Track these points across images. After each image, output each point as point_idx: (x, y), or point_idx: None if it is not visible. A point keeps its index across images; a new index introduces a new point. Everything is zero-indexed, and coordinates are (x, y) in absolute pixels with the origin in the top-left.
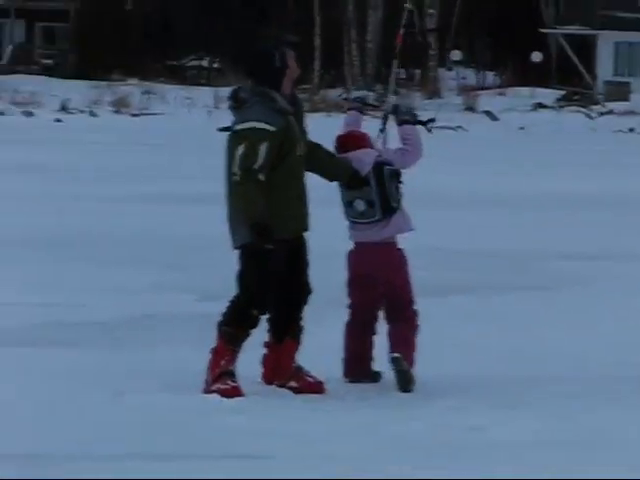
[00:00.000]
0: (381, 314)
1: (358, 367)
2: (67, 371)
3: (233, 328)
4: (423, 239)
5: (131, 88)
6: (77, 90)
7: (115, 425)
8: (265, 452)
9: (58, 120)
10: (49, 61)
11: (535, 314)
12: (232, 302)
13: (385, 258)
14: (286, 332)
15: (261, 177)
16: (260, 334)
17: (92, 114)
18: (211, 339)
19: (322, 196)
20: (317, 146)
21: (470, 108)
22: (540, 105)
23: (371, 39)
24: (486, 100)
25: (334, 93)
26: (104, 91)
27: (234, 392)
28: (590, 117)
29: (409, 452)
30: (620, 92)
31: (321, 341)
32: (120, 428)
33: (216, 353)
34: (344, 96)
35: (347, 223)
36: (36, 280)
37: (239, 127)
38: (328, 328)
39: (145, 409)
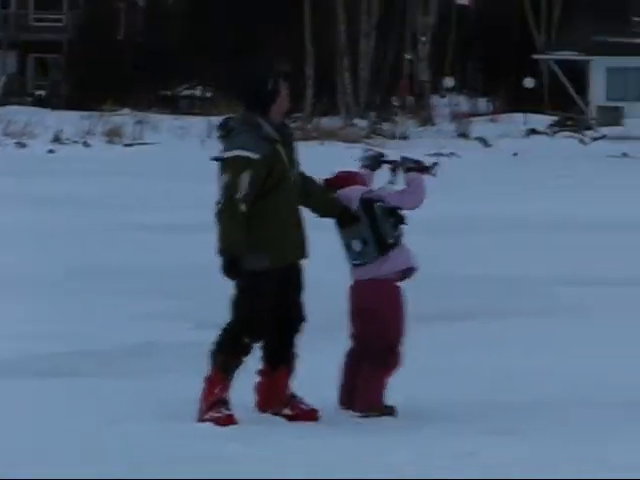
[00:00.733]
0: None
1: (351, 396)
2: (62, 399)
3: (226, 356)
4: (422, 266)
5: (124, 118)
6: (70, 121)
7: (108, 452)
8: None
9: (51, 151)
10: (42, 92)
11: (531, 340)
12: (225, 330)
13: (376, 294)
14: (280, 359)
15: (243, 207)
16: (254, 361)
17: (85, 144)
18: (205, 367)
19: (312, 222)
20: (309, 180)
21: (463, 134)
22: (533, 131)
23: (363, 67)
24: (479, 126)
25: (327, 121)
26: (97, 121)
27: (228, 420)
28: (583, 142)
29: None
30: (613, 117)
31: (314, 368)
32: (113, 455)
33: (210, 381)
34: (358, 156)
35: (348, 266)
36: (32, 311)
37: (225, 155)
38: (321, 355)
39: (138, 437)
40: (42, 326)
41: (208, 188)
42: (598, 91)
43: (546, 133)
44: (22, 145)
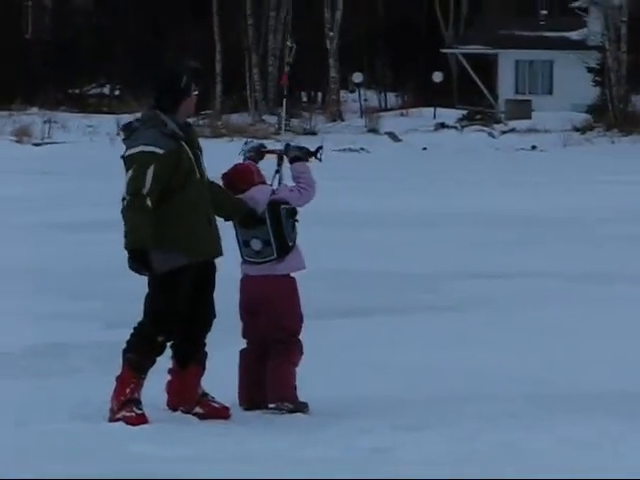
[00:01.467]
0: None
1: (251, 395)
2: None
3: (139, 355)
4: (328, 261)
5: (32, 117)
6: None
7: (17, 453)
8: (169, 478)
9: None
10: None
11: (442, 334)
12: (137, 329)
13: (270, 288)
14: (190, 358)
15: (149, 202)
16: (165, 360)
17: None
18: (117, 367)
19: (220, 220)
20: (211, 183)
21: (373, 130)
22: (442, 125)
23: (272, 63)
24: (388, 121)
25: (237, 118)
26: (5, 121)
27: (139, 420)
28: (493, 136)
29: (315, 475)
30: (522, 110)
31: (223, 366)
32: (22, 457)
33: (121, 381)
34: (241, 148)
35: (240, 260)
36: None
37: (128, 152)
38: (231, 353)
39: (49, 438)
40: None
41: (118, 186)
42: (507, 84)
43: (455, 127)
44: None
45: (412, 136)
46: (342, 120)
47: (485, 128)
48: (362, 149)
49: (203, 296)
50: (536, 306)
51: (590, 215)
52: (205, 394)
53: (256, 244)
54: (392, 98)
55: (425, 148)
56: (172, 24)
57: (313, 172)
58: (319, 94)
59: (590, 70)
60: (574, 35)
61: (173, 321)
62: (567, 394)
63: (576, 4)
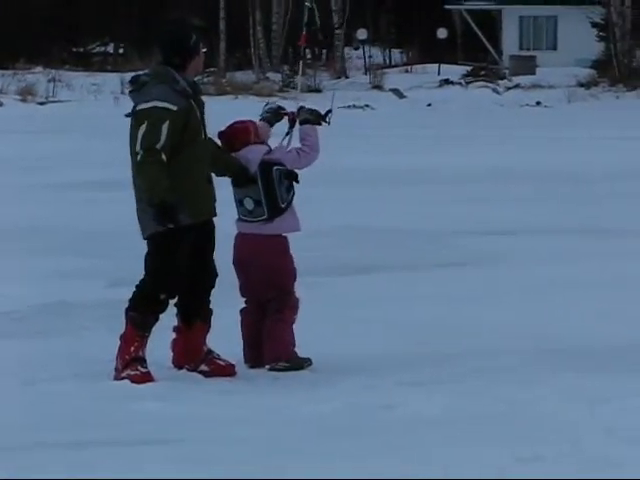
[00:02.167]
0: None
1: (255, 353)
2: None
3: (141, 313)
4: (336, 219)
5: (37, 76)
6: None
7: (26, 413)
8: (176, 436)
9: None
10: None
11: (447, 290)
12: (139, 287)
13: (261, 245)
14: (195, 315)
15: (163, 157)
16: (170, 318)
17: None
18: (121, 325)
19: (223, 178)
20: (209, 140)
21: (377, 86)
22: (447, 81)
23: (276, 21)
24: (393, 78)
25: (241, 76)
26: (9, 80)
27: (144, 378)
28: (497, 92)
29: (320, 433)
30: (526, 66)
31: (229, 324)
32: (33, 416)
33: (125, 339)
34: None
35: (236, 217)
36: None
37: (141, 107)
38: (236, 311)
39: (55, 397)
40: None
41: (122, 145)
42: (511, 40)
43: (460, 83)
44: None
45: (416, 92)
46: (346, 77)
47: (489, 84)
48: (367, 106)
49: (203, 254)
50: (542, 262)
51: (595, 171)
52: (210, 352)
53: (249, 203)
54: (396, 55)
55: (430, 104)
56: None
57: (320, 133)
58: (323, 51)
59: (594, 25)
60: None
61: (174, 279)
62: (574, 349)
63: None
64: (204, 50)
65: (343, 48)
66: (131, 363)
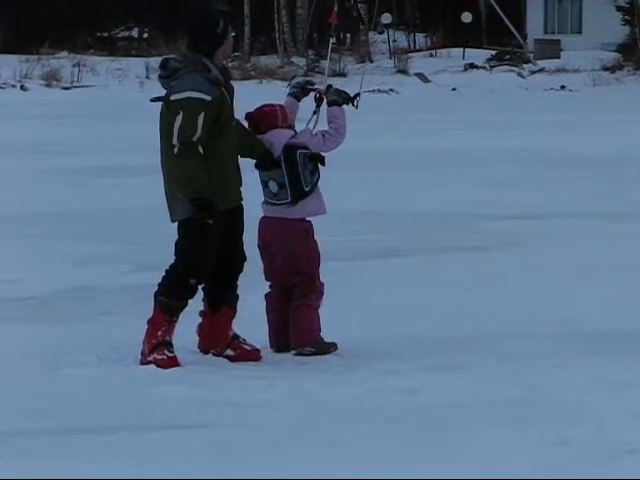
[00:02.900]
0: None
1: (280, 337)
2: (2, 346)
3: (170, 298)
4: (359, 203)
5: (61, 61)
6: (7, 64)
7: (51, 398)
8: (201, 422)
9: None
10: None
11: (471, 274)
12: (168, 272)
13: (285, 230)
14: (222, 301)
15: (200, 149)
16: (196, 303)
17: (23, 88)
18: (148, 310)
19: (252, 163)
20: (235, 122)
21: (402, 71)
22: (471, 65)
23: (301, 5)
24: (417, 62)
25: (265, 60)
26: (34, 65)
27: (171, 363)
28: (522, 76)
29: (346, 417)
30: (551, 50)
31: (256, 309)
32: (56, 401)
33: (153, 324)
34: (288, 82)
35: (262, 200)
36: None
37: (175, 97)
38: (262, 296)
39: (80, 381)
40: None
41: (148, 130)
42: (535, 24)
43: (484, 67)
44: None
45: (441, 77)
46: (371, 61)
47: (514, 68)
48: (391, 90)
49: (232, 239)
50: (567, 246)
51: (620, 155)
52: (236, 336)
53: (273, 186)
54: (421, 39)
55: (454, 89)
56: None
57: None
58: (348, 35)
59: (619, 9)
60: None
61: (204, 264)
62: (598, 333)
63: None
64: (233, 34)
65: (367, 32)
66: (158, 347)
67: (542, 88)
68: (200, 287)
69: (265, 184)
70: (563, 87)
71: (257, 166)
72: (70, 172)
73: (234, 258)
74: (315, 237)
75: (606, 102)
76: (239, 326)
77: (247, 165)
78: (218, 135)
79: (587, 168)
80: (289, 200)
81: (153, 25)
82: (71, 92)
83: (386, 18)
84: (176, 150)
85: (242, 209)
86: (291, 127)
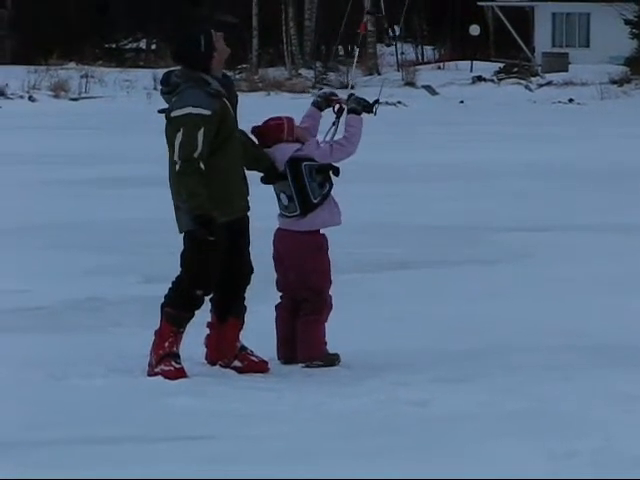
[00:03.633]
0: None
1: (288, 349)
2: (10, 356)
3: (177, 309)
4: (368, 215)
5: (70, 72)
6: (15, 75)
7: (57, 408)
8: (209, 433)
9: None
10: None
11: (479, 287)
12: (175, 283)
13: (296, 243)
14: (229, 312)
15: (202, 165)
16: (203, 314)
17: (31, 99)
18: (155, 321)
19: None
20: (240, 132)
21: (410, 83)
22: (479, 78)
23: (309, 17)
24: (425, 75)
25: (273, 72)
26: (42, 76)
27: (178, 374)
28: (529, 89)
29: (352, 429)
30: (559, 63)
31: (264, 320)
32: (62, 411)
33: (160, 335)
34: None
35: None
36: None
37: (175, 114)
38: (269, 307)
39: (88, 392)
40: None
41: (155, 141)
42: (543, 37)
43: (492, 80)
44: None
45: (449, 89)
46: (379, 74)
47: (522, 81)
48: (399, 102)
49: (238, 250)
50: (574, 259)
51: (627, 168)
52: (244, 348)
53: (284, 199)
54: (429, 51)
55: (462, 101)
56: None
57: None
58: (355, 47)
59: (627, 22)
60: None
61: (210, 276)
62: (604, 346)
63: None
64: (221, 34)
65: (375, 44)
66: (165, 358)
67: (550, 101)
68: (207, 298)
69: (277, 196)
70: (571, 100)
71: (263, 179)
72: (78, 183)
73: (240, 269)
74: (327, 251)
75: (614, 115)
76: (247, 337)
77: (252, 178)
78: (221, 147)
79: (595, 181)
80: (298, 213)
81: (161, 36)
82: (79, 103)
83: (394, 30)
84: (178, 167)
85: (248, 220)
86: (298, 140)
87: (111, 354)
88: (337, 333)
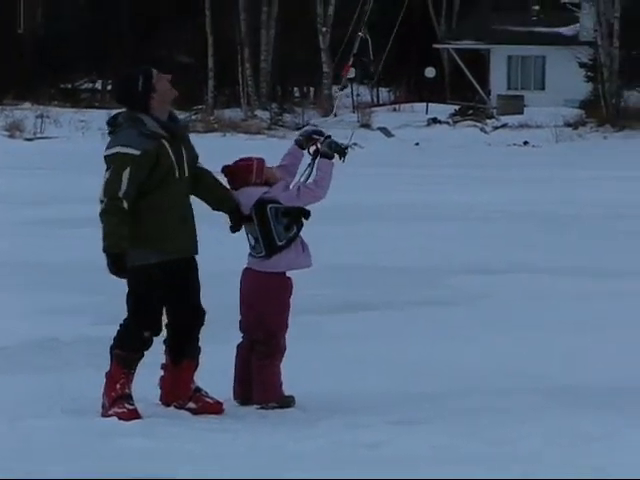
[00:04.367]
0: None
1: (245, 390)
2: None
3: (126, 351)
4: (325, 256)
5: (25, 112)
6: None
7: (11, 450)
8: (164, 473)
9: None
10: None
11: (437, 329)
12: (123, 325)
13: (257, 283)
14: (183, 353)
15: (125, 205)
16: (156, 354)
17: None
18: (106, 362)
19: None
20: (205, 172)
21: (365, 125)
22: (435, 120)
23: (265, 58)
24: (381, 116)
25: (229, 113)
26: None
27: (131, 415)
28: (485, 131)
29: (307, 470)
30: (514, 106)
31: (219, 361)
32: (16, 453)
33: (111, 377)
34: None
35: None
36: None
37: (105, 153)
38: (225, 348)
39: (42, 433)
40: None
41: None
42: (499, 80)
43: (448, 122)
44: None
45: (405, 131)
46: (335, 115)
47: (477, 123)
48: (355, 144)
49: (185, 292)
50: (534, 302)
51: (583, 211)
52: (198, 389)
53: (251, 239)
54: (384, 93)
55: (417, 143)
56: (164, 18)
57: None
58: (311, 89)
59: (582, 65)
60: (566, 30)
61: (154, 316)
62: (564, 389)
63: None
64: (167, 75)
65: (331, 86)
66: (118, 401)
67: (505, 144)
68: (160, 339)
69: (247, 236)
70: (526, 143)
71: (230, 228)
72: (34, 223)
73: (190, 311)
74: (288, 296)
75: (569, 158)
76: (201, 378)
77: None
78: (160, 186)
79: (551, 224)
80: (263, 254)
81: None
82: (34, 143)
83: (350, 72)
84: (103, 205)
85: (193, 262)
86: (268, 181)
87: (65, 395)
88: (297, 374)
